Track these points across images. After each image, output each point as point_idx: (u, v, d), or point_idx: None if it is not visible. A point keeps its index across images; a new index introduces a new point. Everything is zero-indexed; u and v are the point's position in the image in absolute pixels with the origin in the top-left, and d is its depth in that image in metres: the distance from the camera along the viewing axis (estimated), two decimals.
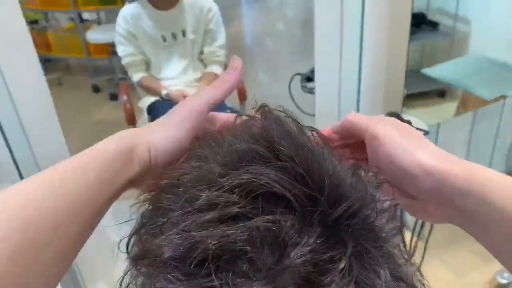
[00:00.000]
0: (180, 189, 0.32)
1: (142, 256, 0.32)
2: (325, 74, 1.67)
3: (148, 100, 2.19)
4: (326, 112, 1.72)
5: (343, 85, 1.70)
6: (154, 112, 2.13)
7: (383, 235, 0.32)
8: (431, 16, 2.57)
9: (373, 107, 1.75)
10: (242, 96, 2.29)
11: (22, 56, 1.42)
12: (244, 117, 0.39)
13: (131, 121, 2.15)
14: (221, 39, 2.23)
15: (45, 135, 1.54)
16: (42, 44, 3.54)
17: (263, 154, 0.32)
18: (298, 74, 1.97)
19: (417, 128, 1.47)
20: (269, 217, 0.28)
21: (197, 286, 0.27)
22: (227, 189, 0.30)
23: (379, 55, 1.68)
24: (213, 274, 0.27)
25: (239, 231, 0.28)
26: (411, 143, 0.40)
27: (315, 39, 1.58)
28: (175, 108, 0.44)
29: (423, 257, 1.74)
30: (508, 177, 0.36)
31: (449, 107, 2.55)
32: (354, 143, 0.46)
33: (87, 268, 1.70)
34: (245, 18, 5.23)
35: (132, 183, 0.41)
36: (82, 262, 1.65)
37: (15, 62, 1.41)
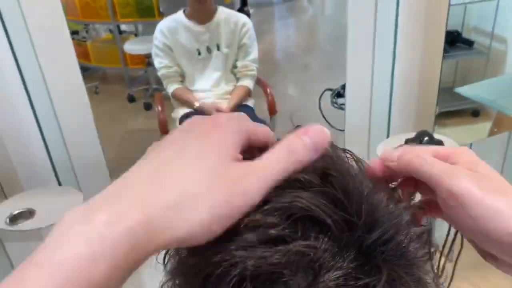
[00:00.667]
0: None
1: (179, 271, 0.33)
2: (356, 90, 1.68)
3: (182, 111, 2.24)
4: (356, 129, 1.73)
5: (374, 102, 1.70)
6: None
7: (416, 261, 0.32)
8: (466, 34, 2.54)
9: (404, 124, 1.75)
10: (272, 110, 2.32)
11: (64, 66, 1.49)
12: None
13: (164, 131, 2.21)
14: (254, 53, 2.27)
15: (82, 142, 1.60)
16: (81, 54, 3.68)
17: (303, 179, 0.32)
18: (329, 89, 1.98)
19: None
20: (306, 242, 0.29)
21: None
22: (268, 212, 0.30)
23: (411, 72, 1.67)
24: None
25: (277, 254, 0.28)
26: (497, 202, 0.33)
27: (347, 55, 1.60)
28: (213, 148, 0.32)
29: (451, 280, 1.70)
30: None
31: (483, 126, 2.50)
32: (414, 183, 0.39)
33: None
34: (278, 33, 5.28)
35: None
36: None
37: (57, 72, 1.49)
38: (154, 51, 2.23)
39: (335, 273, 0.28)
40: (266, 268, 0.28)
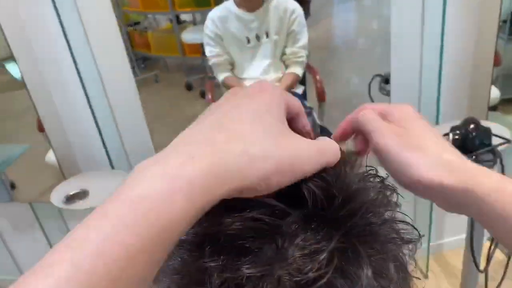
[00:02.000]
0: None
1: (180, 270, 0.34)
2: (403, 78, 1.63)
3: None
4: None
5: (423, 88, 1.64)
6: None
7: (387, 239, 0.33)
8: None
9: (456, 111, 1.67)
10: (322, 97, 2.30)
11: (115, 58, 1.58)
12: None
13: None
14: (303, 40, 2.26)
15: (133, 128, 1.69)
16: (142, 44, 3.82)
17: None
18: (378, 75, 1.93)
19: (498, 136, 1.38)
20: (268, 209, 0.31)
21: (197, 265, 0.30)
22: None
23: (463, 56, 1.59)
24: (207, 256, 0.30)
25: (234, 220, 0.30)
26: (410, 157, 0.37)
27: (392, 40, 1.55)
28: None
29: (505, 272, 1.62)
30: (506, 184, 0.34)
31: None
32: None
33: None
34: (335, 17, 5.16)
35: None
36: None
37: (109, 63, 1.58)
38: (205, 40, 2.29)
39: (297, 241, 0.30)
40: (223, 233, 0.30)
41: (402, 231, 0.35)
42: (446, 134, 1.37)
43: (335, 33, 4.79)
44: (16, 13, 1.46)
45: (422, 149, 0.38)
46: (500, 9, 1.52)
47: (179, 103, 3.80)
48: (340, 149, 0.37)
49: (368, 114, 0.41)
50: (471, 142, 1.29)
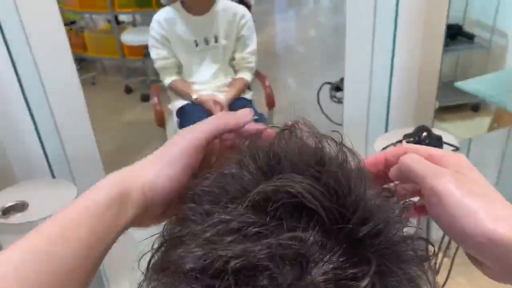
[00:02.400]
0: (203, 199, 0.33)
1: (163, 265, 0.32)
2: (355, 84, 1.66)
3: (179, 103, 2.22)
4: (354, 122, 1.71)
5: (372, 96, 1.68)
6: (184, 115, 2.15)
7: (407, 258, 0.32)
8: (467, 28, 2.52)
9: (404, 119, 1.73)
10: (271, 103, 2.30)
11: (58, 57, 1.47)
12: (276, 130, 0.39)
13: (161, 123, 2.18)
14: (253, 45, 2.24)
15: (76, 134, 1.58)
16: (78, 44, 3.65)
17: (297, 165, 0.32)
18: (328, 83, 1.96)
19: (448, 144, 1.44)
20: (291, 234, 0.28)
21: None
22: (247, 205, 0.30)
23: (411, 66, 1.65)
24: (233, 286, 0.27)
25: (260, 247, 0.28)
26: (474, 203, 0.34)
27: (346, 48, 1.58)
28: (172, 141, 0.41)
29: (448, 275, 1.69)
30: None
31: (483, 121, 2.48)
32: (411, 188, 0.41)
33: (112, 268, 1.73)
34: (277, 24, 5.24)
35: (130, 224, 0.39)
36: (107, 262, 1.68)
37: (51, 62, 1.46)
38: (150, 42, 2.20)
39: (324, 267, 0.28)
40: (249, 262, 0.27)
41: (418, 248, 0.33)
42: (399, 141, 1.40)
43: (278, 40, 4.86)
44: None
45: (487, 198, 0.35)
46: (446, 22, 1.59)
47: (118, 106, 3.65)
48: (361, 167, 0.36)
49: (415, 157, 0.38)
50: None
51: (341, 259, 0.28)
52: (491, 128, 2.35)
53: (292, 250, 0.28)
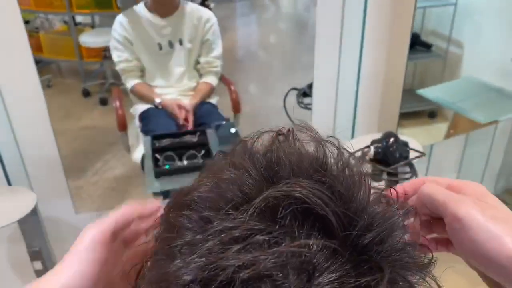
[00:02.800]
0: (201, 206, 0.31)
1: (159, 278, 0.30)
2: (323, 90, 1.67)
3: (141, 107, 2.16)
4: (321, 128, 1.72)
5: (339, 102, 1.70)
6: (147, 119, 2.10)
7: (409, 266, 0.31)
8: (424, 37, 2.60)
9: (369, 125, 1.76)
10: (237, 108, 2.28)
11: (17, 57, 1.39)
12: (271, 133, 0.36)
13: (122, 127, 2.12)
14: (218, 49, 2.22)
15: (35, 139, 1.50)
16: (33, 45, 3.48)
17: (301, 169, 0.31)
18: (294, 88, 1.97)
19: (413, 150, 1.47)
20: (302, 241, 0.27)
21: None
22: (252, 212, 0.28)
23: (377, 73, 1.68)
24: None
25: (270, 257, 0.26)
26: (498, 227, 0.34)
27: (315, 55, 1.59)
28: (78, 239, 0.41)
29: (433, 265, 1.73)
30: None
31: (440, 127, 2.57)
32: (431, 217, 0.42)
33: None
34: (239, 30, 5.24)
35: None
36: None
37: (9, 63, 1.39)
38: (112, 44, 2.14)
39: (330, 275, 0.27)
40: (256, 271, 0.26)
41: (419, 256, 0.33)
42: (367, 147, 1.42)
43: (240, 46, 4.86)
44: None
45: (510, 223, 0.35)
46: (411, 31, 1.64)
47: (75, 110, 3.52)
48: (362, 172, 0.34)
49: (435, 186, 0.40)
50: (391, 155, 1.36)
51: (347, 267, 0.27)
52: (448, 135, 2.44)
53: (302, 258, 0.27)
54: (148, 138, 1.66)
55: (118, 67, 2.14)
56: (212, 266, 0.26)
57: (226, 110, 2.26)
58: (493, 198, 0.38)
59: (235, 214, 0.29)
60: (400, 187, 0.43)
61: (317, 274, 0.27)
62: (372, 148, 1.40)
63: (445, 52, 2.61)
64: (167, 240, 0.32)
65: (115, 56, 2.13)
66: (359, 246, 0.29)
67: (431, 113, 2.71)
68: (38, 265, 1.36)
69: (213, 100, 2.26)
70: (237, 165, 0.33)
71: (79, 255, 0.39)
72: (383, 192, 0.36)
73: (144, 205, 0.45)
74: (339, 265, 0.27)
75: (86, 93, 3.56)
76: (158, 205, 0.45)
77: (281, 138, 0.35)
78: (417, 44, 2.57)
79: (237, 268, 0.26)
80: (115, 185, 2.58)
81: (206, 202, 0.31)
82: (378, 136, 1.46)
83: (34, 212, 1.34)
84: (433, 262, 0.34)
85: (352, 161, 0.34)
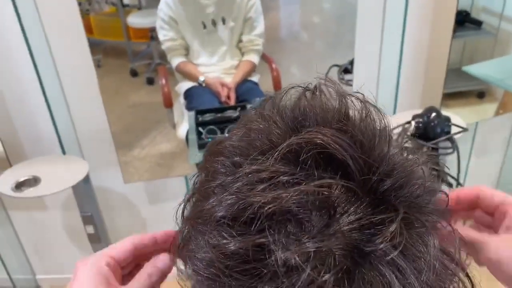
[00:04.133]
0: (232, 153, 0.34)
1: (196, 215, 0.34)
2: (364, 66, 1.66)
3: (185, 85, 2.22)
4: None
5: (381, 78, 1.69)
6: (191, 97, 2.16)
7: (430, 211, 0.33)
8: (474, 14, 2.50)
9: (412, 102, 1.74)
10: (278, 85, 2.30)
11: (71, 36, 1.47)
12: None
13: (168, 104, 2.20)
14: (260, 28, 2.24)
15: (87, 112, 1.59)
16: (84, 27, 3.63)
17: (324, 119, 0.33)
18: (336, 65, 1.96)
19: (456, 125, 1.45)
20: (320, 181, 0.29)
21: (249, 242, 0.28)
22: (277, 157, 0.31)
23: (420, 50, 1.66)
24: (266, 230, 0.28)
25: (291, 194, 0.29)
26: None
27: (356, 30, 1.58)
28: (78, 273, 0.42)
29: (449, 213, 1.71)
30: None
31: (488, 108, 2.48)
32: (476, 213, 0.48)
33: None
34: (282, 9, 5.20)
35: None
36: (114, 239, 1.70)
37: (64, 41, 1.47)
38: (158, 24, 2.20)
39: (349, 217, 0.29)
40: (279, 208, 0.28)
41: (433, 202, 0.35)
42: (408, 122, 1.41)
43: (283, 25, 4.83)
44: None
45: None
46: (457, 6, 1.59)
47: (124, 89, 3.65)
48: (385, 123, 0.36)
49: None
50: (432, 130, 1.34)
51: (367, 210, 0.29)
52: (496, 114, 2.36)
53: (321, 197, 0.29)
54: (192, 112, 1.72)
55: (163, 46, 2.21)
56: (240, 202, 0.29)
57: (267, 88, 2.29)
58: None
59: (262, 159, 0.31)
60: (453, 193, 0.47)
61: (338, 213, 0.29)
62: (413, 123, 1.39)
63: (496, 30, 2.51)
64: (203, 183, 0.35)
65: (161, 35, 2.20)
66: (379, 191, 0.31)
67: (480, 93, 2.62)
68: (90, 229, 1.46)
69: (255, 78, 2.29)
70: (265, 117, 0.35)
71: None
72: (406, 144, 0.38)
73: (153, 236, 0.46)
74: (357, 206, 0.29)
75: (134, 73, 3.67)
76: (171, 234, 0.46)
77: (307, 93, 0.37)
78: (467, 21, 2.48)
79: (262, 204, 0.28)
80: (160, 161, 2.67)
81: (237, 149, 0.34)
82: (420, 111, 1.45)
83: (87, 179, 1.43)
84: (449, 209, 0.36)
85: (375, 115, 0.36)
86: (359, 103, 0.36)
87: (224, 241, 0.29)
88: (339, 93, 0.36)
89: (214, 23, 2.18)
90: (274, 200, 0.28)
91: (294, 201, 0.29)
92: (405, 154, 0.35)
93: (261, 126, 0.35)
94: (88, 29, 3.73)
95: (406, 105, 1.68)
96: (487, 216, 0.46)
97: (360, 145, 0.31)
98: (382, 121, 0.36)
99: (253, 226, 0.29)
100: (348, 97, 0.36)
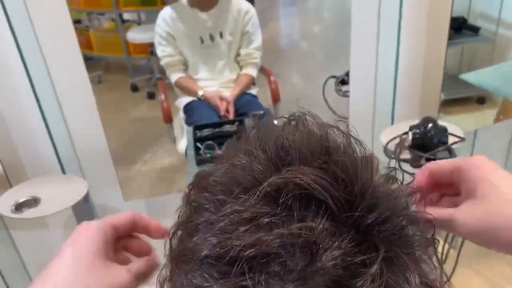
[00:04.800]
0: (216, 189, 0.34)
1: (179, 253, 0.34)
2: (360, 77, 1.67)
3: (185, 100, 2.24)
4: (360, 116, 1.72)
5: (378, 88, 1.69)
6: (190, 111, 2.17)
7: (414, 243, 0.32)
8: (472, 21, 2.51)
9: (409, 111, 1.74)
10: (276, 98, 2.31)
11: (68, 55, 1.49)
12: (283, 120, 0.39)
13: (168, 120, 2.21)
14: (257, 41, 2.26)
15: (86, 131, 1.60)
16: (84, 43, 3.66)
17: (306, 156, 0.33)
18: (333, 76, 1.97)
19: (453, 135, 1.45)
20: (301, 224, 0.30)
21: (231, 284, 0.28)
22: (259, 196, 0.31)
23: (416, 58, 1.66)
24: (247, 273, 0.28)
25: (272, 237, 0.29)
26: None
27: (351, 42, 1.58)
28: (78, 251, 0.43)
29: (455, 267, 1.70)
30: None
31: (488, 114, 2.48)
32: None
33: None
34: (282, 20, 5.24)
35: None
36: None
37: (61, 60, 1.48)
38: (156, 40, 2.22)
39: (333, 252, 0.29)
40: (262, 250, 0.29)
41: (423, 232, 0.34)
42: (406, 133, 1.41)
43: (282, 36, 4.86)
44: None
45: None
46: (451, 14, 1.60)
47: (124, 105, 3.67)
48: (367, 154, 0.36)
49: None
50: (430, 140, 1.34)
51: (350, 245, 0.29)
52: (496, 120, 2.35)
53: (303, 238, 0.29)
54: (190, 128, 1.73)
55: (162, 62, 2.23)
56: (223, 244, 0.30)
57: (266, 100, 2.30)
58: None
59: (245, 198, 0.31)
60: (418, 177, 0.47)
61: (320, 251, 0.29)
62: (410, 134, 1.39)
63: (494, 35, 2.51)
64: (188, 218, 0.35)
65: (159, 51, 2.22)
66: (362, 226, 0.30)
67: (480, 99, 2.62)
68: None
69: (253, 90, 2.30)
70: (248, 151, 0.35)
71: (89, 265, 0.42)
72: (390, 174, 0.38)
73: (150, 220, 0.50)
74: (340, 242, 0.29)
75: (134, 88, 3.70)
76: (164, 231, 0.49)
77: (292, 124, 0.37)
78: (464, 28, 2.48)
79: (242, 247, 0.29)
80: (162, 175, 2.68)
81: (221, 185, 0.34)
82: (417, 122, 1.45)
83: (86, 198, 1.43)
84: (435, 239, 0.36)
85: (356, 145, 0.36)
86: (341, 134, 0.36)
87: (207, 284, 0.30)
88: (320, 126, 0.36)
89: (212, 37, 2.20)
90: (255, 244, 0.29)
91: (275, 244, 0.29)
92: (389, 184, 0.35)
93: (243, 161, 0.35)
94: (88, 45, 3.78)
95: (404, 114, 1.68)
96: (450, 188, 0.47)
97: (342, 182, 0.31)
98: (365, 151, 0.36)
99: (236, 268, 0.29)
100: (330, 129, 0.36)
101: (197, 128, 1.69)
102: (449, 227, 0.42)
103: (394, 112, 1.70)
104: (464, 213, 0.42)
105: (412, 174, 1.36)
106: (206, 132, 1.62)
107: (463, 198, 0.44)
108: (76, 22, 3.95)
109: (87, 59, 3.96)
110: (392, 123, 1.72)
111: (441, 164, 0.46)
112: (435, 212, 0.41)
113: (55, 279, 0.41)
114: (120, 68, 4.15)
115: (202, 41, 2.20)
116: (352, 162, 0.33)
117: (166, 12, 2.19)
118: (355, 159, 0.34)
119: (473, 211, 0.41)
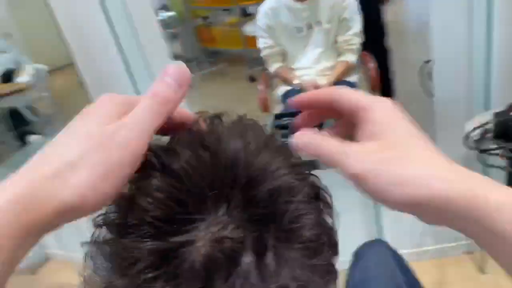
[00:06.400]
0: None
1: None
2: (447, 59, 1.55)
3: (283, 88, 2.31)
4: (450, 100, 1.59)
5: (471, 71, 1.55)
6: (286, 100, 2.24)
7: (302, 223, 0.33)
8: None
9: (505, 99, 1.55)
10: (374, 85, 2.24)
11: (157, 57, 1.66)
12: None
13: (266, 109, 2.31)
14: (356, 27, 2.20)
15: None
16: (208, 38, 3.97)
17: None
18: (428, 61, 1.84)
19: None
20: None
21: None
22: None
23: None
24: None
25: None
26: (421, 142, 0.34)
27: (434, 25, 1.47)
28: (108, 139, 0.30)
29: None
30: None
31: None
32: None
33: None
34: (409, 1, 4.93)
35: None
36: None
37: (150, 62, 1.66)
38: (257, 32, 2.33)
39: (211, 228, 0.31)
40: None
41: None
42: (487, 123, 1.28)
43: (409, 16, 4.58)
44: (73, 17, 1.60)
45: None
46: None
47: (243, 95, 3.89)
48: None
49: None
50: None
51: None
52: None
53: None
54: (270, 116, 1.79)
55: (262, 54, 2.33)
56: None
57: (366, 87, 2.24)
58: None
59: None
60: (299, 96, 0.42)
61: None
62: (493, 122, 1.27)
63: None
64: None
65: (261, 43, 2.32)
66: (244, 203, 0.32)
67: None
68: None
69: (352, 78, 2.26)
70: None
71: (113, 169, 0.30)
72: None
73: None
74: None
75: (252, 79, 3.89)
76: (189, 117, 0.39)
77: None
78: None
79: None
80: None
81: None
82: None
83: None
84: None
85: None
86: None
87: None
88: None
89: (309, 26, 2.22)
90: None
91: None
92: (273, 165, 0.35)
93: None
94: (212, 40, 4.07)
95: (503, 98, 1.51)
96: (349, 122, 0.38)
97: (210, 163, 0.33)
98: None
99: None
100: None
101: (277, 117, 1.74)
102: (338, 163, 0.35)
103: (491, 96, 1.54)
104: (364, 152, 0.34)
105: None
106: (286, 120, 1.67)
107: (362, 137, 0.36)
108: (204, 18, 4.29)
109: (214, 53, 4.27)
110: (489, 107, 1.56)
111: (343, 96, 0.38)
112: (329, 143, 0.37)
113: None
114: (238, 60, 4.40)
115: (300, 31, 2.23)
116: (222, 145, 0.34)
117: (266, 5, 2.28)
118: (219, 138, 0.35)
119: (373, 152, 0.34)
